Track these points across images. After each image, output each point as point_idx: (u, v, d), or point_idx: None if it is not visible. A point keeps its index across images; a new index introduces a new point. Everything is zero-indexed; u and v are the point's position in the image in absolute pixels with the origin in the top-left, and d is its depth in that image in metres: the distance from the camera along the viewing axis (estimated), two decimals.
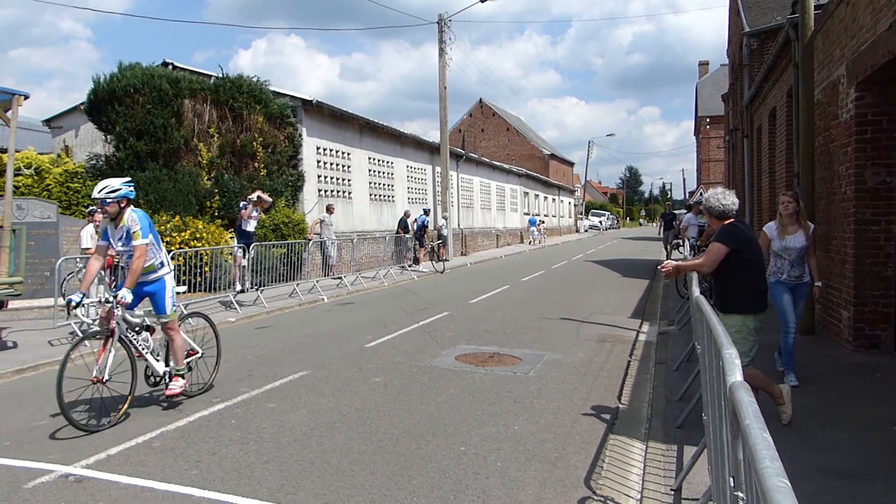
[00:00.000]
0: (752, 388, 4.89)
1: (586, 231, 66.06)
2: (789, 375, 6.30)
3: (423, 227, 22.16)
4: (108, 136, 16.84)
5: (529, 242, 40.63)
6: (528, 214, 44.78)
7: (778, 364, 6.77)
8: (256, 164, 17.05)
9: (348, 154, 20.93)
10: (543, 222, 43.24)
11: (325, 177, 19.60)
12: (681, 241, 17.45)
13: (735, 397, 2.11)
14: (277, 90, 18.33)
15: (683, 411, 5.56)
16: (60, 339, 9.49)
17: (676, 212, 28.11)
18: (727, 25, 26.08)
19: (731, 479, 2.40)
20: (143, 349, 6.18)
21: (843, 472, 4.27)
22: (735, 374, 2.38)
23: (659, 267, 5.62)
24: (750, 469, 1.76)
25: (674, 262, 5.41)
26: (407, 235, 21.86)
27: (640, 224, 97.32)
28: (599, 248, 35.75)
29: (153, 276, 6.19)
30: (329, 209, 17.56)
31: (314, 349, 9.02)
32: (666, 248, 22.93)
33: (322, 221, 17.28)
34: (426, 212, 22.55)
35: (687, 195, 75.98)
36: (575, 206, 68.94)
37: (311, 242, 16.15)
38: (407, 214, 22.31)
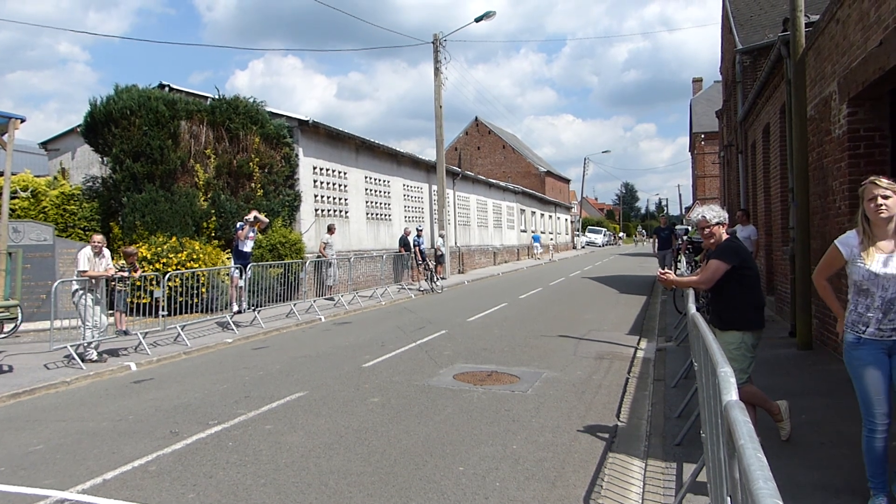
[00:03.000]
0: (751, 405, 4.91)
1: (583, 248, 66.12)
2: (879, 498, 3.83)
3: (416, 246, 22.20)
4: (105, 158, 16.86)
5: (539, 256, 42.96)
6: (525, 231, 45.03)
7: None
8: (253, 185, 17.08)
9: (345, 173, 20.99)
10: (553, 239, 44.28)
11: (322, 196, 19.64)
12: (676, 258, 17.43)
13: (730, 416, 2.11)
14: (274, 111, 18.42)
15: (682, 428, 5.55)
16: (56, 362, 9.45)
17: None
18: (720, 43, 26.31)
19: (729, 499, 2.39)
20: None
21: (842, 488, 4.25)
22: (730, 393, 2.38)
23: (659, 271, 5.60)
24: (745, 489, 1.76)
25: (674, 276, 5.41)
26: (408, 253, 21.90)
27: (634, 242, 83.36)
28: (596, 264, 35.78)
29: None
30: (330, 229, 17.56)
31: (311, 370, 8.99)
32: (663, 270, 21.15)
33: (326, 243, 17.31)
34: (419, 231, 22.60)
35: (683, 210, 76.19)
36: (571, 222, 69.07)
37: (307, 262, 16.15)
38: (407, 232, 22.35)
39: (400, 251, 21.82)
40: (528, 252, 44.24)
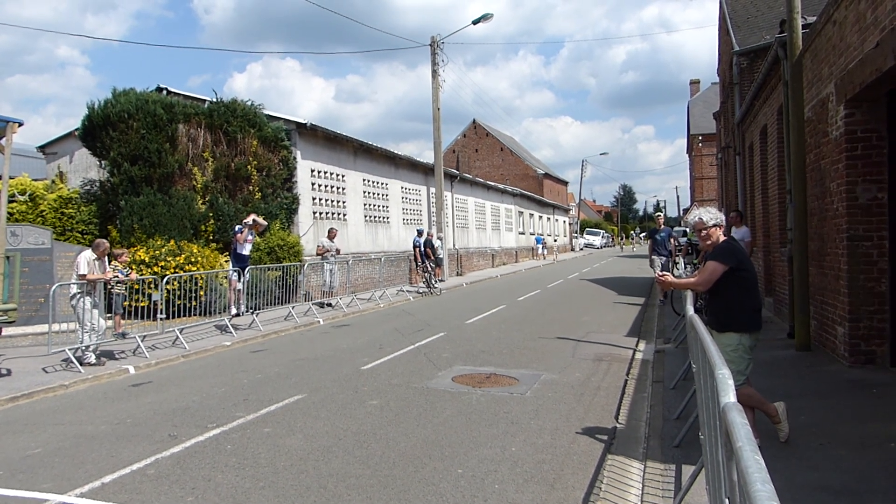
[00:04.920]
0: (749, 407, 4.91)
1: (581, 249, 66.17)
2: None
3: (415, 248, 22.20)
4: (103, 162, 16.87)
5: (544, 256, 45.67)
6: (523, 233, 45.14)
7: None
8: (251, 188, 17.08)
9: (343, 176, 21.00)
10: (556, 241, 45.71)
11: (320, 199, 19.65)
12: (675, 261, 17.14)
13: (728, 418, 2.11)
14: (271, 114, 18.43)
15: (681, 430, 5.55)
16: (54, 366, 9.44)
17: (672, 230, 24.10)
18: (717, 45, 26.35)
19: (728, 501, 2.39)
20: None
21: (841, 489, 4.25)
22: (728, 395, 2.38)
23: (657, 273, 5.60)
24: (744, 491, 1.76)
25: (672, 278, 5.41)
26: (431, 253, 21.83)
27: (621, 246, 75.26)
28: (595, 266, 35.79)
29: None
30: (330, 234, 17.29)
31: (310, 372, 8.98)
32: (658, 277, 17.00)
33: (324, 247, 17.06)
34: (419, 232, 22.57)
35: (681, 212, 76.15)
36: (570, 224, 69.10)
37: (306, 265, 16.11)
38: (430, 235, 22.30)
39: (426, 252, 21.79)
40: (531, 254, 46.05)
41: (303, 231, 18.38)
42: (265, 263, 15.46)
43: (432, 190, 27.27)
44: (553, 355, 9.78)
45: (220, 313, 12.99)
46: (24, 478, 5.13)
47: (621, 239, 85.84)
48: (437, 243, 24.31)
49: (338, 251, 17.23)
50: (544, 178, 65.79)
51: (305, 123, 18.51)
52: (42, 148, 22.46)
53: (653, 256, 16.01)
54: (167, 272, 13.10)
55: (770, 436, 5.12)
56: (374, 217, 23.16)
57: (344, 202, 21.01)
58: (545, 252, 47.19)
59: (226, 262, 15.20)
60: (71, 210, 16.83)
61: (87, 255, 9.73)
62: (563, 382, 7.99)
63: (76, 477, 5.10)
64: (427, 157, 29.30)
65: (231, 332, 12.35)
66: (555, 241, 49.85)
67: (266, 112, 18.16)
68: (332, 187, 20.32)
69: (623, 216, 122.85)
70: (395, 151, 24.78)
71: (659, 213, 17.62)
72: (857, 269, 7.51)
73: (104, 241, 10.17)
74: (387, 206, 24.20)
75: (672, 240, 16.24)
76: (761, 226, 14.34)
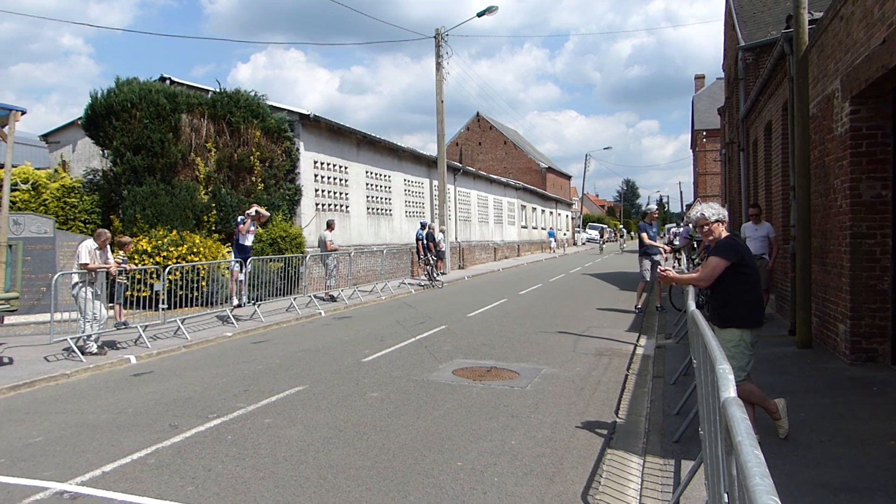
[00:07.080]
0: (749, 403, 4.91)
1: (584, 244, 66.12)
2: None
3: (418, 240, 22.21)
4: (106, 151, 16.87)
5: (554, 249, 48.20)
6: (525, 227, 45.19)
7: None
8: (254, 179, 17.07)
9: (345, 168, 20.98)
10: (566, 235, 48.33)
11: (323, 191, 19.63)
12: (672, 258, 16.66)
13: (728, 413, 2.11)
14: (275, 104, 18.40)
15: (681, 426, 5.55)
16: (56, 354, 9.46)
17: (675, 228, 22.18)
18: (723, 39, 26.24)
19: (726, 496, 2.39)
20: None
21: (841, 486, 4.25)
22: (728, 390, 2.37)
23: (659, 269, 5.58)
24: (742, 486, 1.76)
25: (674, 273, 5.40)
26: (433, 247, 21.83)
27: (599, 244, 57.92)
28: (596, 261, 35.77)
29: None
30: (329, 226, 17.34)
31: (311, 364, 8.99)
32: (642, 289, 14.37)
33: (332, 241, 16.99)
34: (423, 225, 22.54)
35: (684, 208, 75.98)
36: (572, 219, 69.01)
37: (307, 257, 16.12)
38: (432, 228, 22.30)
39: (429, 245, 21.70)
40: (543, 246, 48.75)
41: (305, 223, 18.38)
42: (267, 255, 15.47)
43: (435, 183, 27.25)
44: (554, 349, 9.79)
45: (221, 304, 13.01)
46: (26, 466, 5.15)
47: (614, 234, 78.28)
48: (439, 236, 24.31)
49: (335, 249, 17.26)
50: (547, 171, 65.70)
51: (309, 115, 18.47)
52: (45, 137, 22.47)
53: (643, 260, 14.05)
54: (169, 262, 13.11)
55: (770, 432, 5.12)
56: (377, 209, 23.15)
57: (347, 194, 21.00)
58: (555, 245, 49.13)
59: (228, 252, 15.21)
60: (73, 199, 16.84)
61: (89, 244, 9.73)
62: (564, 377, 8.00)
63: (77, 465, 5.12)
64: (430, 149, 29.26)
65: (232, 323, 12.36)
66: (564, 235, 51.83)
67: (269, 103, 18.13)
68: (334, 179, 20.30)
69: (626, 211, 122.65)
70: (399, 144, 24.75)
71: (649, 208, 14.94)
72: (859, 266, 7.50)
73: (105, 230, 10.17)
74: (389, 199, 24.18)
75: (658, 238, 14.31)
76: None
